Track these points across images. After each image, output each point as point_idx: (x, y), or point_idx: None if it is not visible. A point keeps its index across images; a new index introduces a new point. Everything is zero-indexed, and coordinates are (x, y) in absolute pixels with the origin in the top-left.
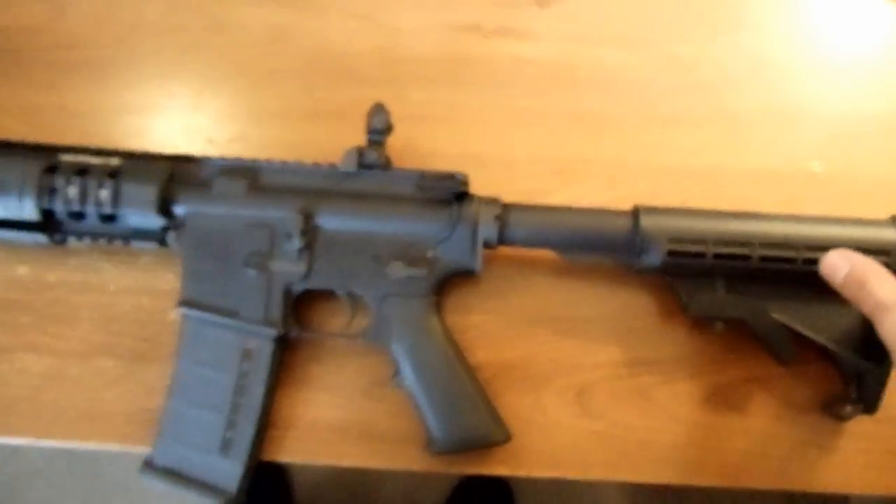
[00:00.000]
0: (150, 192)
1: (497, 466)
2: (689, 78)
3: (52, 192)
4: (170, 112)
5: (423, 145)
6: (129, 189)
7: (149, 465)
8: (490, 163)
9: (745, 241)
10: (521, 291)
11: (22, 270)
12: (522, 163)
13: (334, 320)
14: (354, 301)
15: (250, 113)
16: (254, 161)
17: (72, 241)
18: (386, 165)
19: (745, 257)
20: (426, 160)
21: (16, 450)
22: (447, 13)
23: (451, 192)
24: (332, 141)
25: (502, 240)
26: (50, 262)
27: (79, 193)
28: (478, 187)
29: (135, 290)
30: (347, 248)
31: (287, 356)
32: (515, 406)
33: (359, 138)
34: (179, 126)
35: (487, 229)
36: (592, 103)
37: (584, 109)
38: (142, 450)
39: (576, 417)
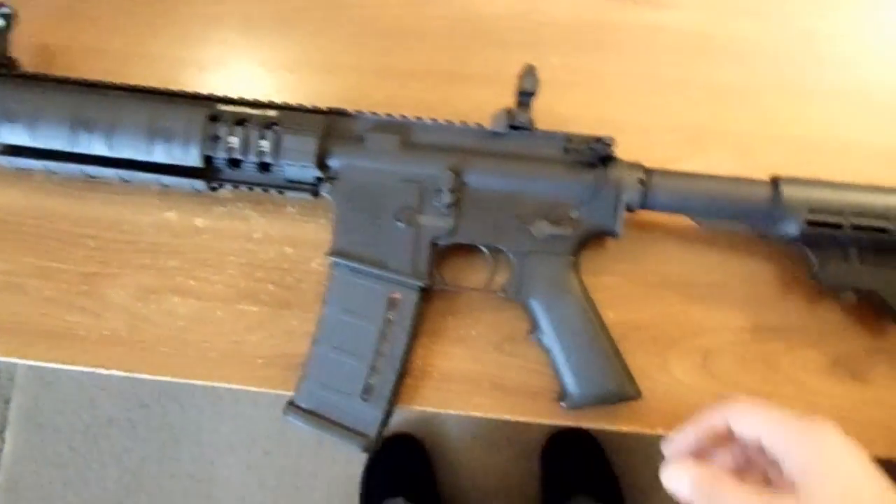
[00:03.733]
0: (309, 144)
1: (623, 423)
2: (824, 51)
3: (215, 140)
4: (307, 72)
5: (561, 110)
6: (290, 140)
7: (292, 407)
8: (626, 129)
9: (882, 214)
10: (652, 256)
11: (171, 216)
12: (657, 130)
13: (474, 275)
14: (496, 257)
15: (392, 73)
16: (405, 118)
17: (224, 190)
18: (533, 127)
19: (883, 230)
20: (564, 125)
21: (92, 399)
22: None
23: (596, 155)
24: (471, 103)
25: (644, 204)
26: (198, 208)
27: (241, 142)
28: None
29: (279, 239)
30: (493, 206)
31: (424, 308)
32: (643, 366)
33: (498, 101)
34: (316, 80)
35: (630, 193)
36: (727, 74)
37: (720, 79)
38: (281, 392)
39: (701, 379)
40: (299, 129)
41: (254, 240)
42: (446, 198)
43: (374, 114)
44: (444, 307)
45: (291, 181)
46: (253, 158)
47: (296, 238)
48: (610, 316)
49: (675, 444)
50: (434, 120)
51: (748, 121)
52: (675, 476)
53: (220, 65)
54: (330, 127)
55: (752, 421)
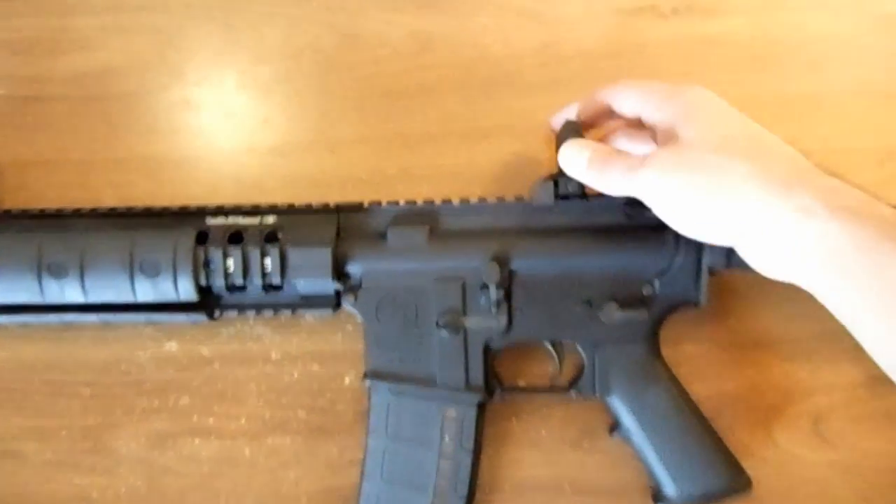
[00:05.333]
0: (322, 255)
1: None
2: None
3: (209, 265)
4: (300, 153)
5: None
6: (297, 254)
7: None
8: None
9: None
10: (739, 313)
11: (172, 347)
12: None
13: (536, 370)
14: (561, 350)
15: (400, 140)
16: (430, 203)
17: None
18: (584, 193)
19: None
20: None
21: None
22: None
23: None
24: (498, 160)
25: (731, 262)
26: (201, 335)
27: (239, 265)
28: None
29: (302, 356)
30: (551, 294)
31: (485, 415)
32: (744, 443)
33: (528, 153)
34: (312, 164)
35: (713, 253)
36: (799, 83)
37: (791, 90)
38: None
39: (814, 450)
40: (307, 237)
41: (272, 361)
42: (494, 293)
43: (393, 203)
44: (506, 409)
45: (307, 297)
46: (257, 281)
47: (321, 353)
48: (698, 390)
49: (560, 116)
50: (465, 201)
51: (833, 135)
52: (574, 151)
53: (197, 158)
54: (342, 227)
55: (630, 94)
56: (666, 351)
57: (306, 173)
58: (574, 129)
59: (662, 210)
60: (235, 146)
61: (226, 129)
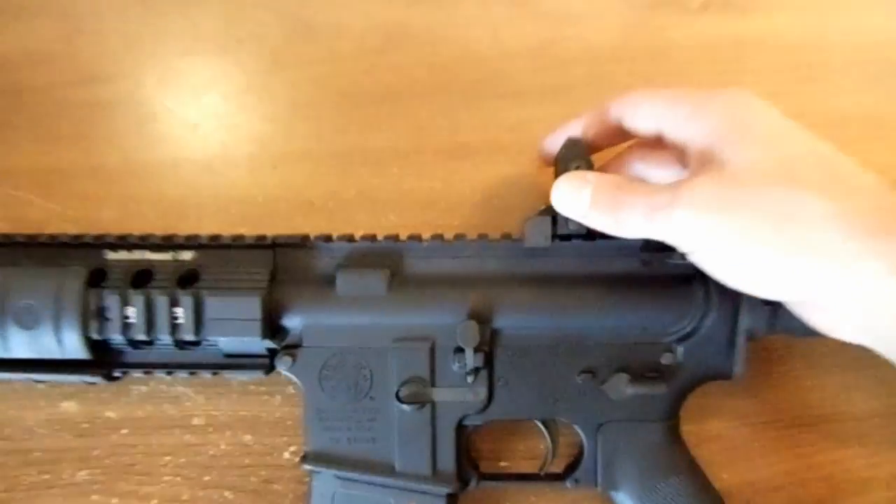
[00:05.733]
0: (250, 305)
1: None
2: None
3: (103, 314)
4: (232, 162)
5: None
6: (218, 302)
7: None
8: None
9: None
10: (774, 383)
11: (69, 407)
12: None
13: (522, 449)
14: (555, 430)
15: (361, 154)
16: (393, 239)
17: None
18: (589, 233)
19: None
20: None
21: None
22: None
23: (692, 265)
24: (483, 185)
25: (775, 327)
26: (106, 393)
27: (143, 315)
28: None
29: (230, 424)
30: (544, 360)
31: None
32: None
33: (522, 179)
34: (248, 183)
35: (754, 312)
36: (857, 97)
37: (846, 107)
38: None
39: None
40: (232, 280)
41: (194, 428)
42: (471, 359)
43: (346, 237)
44: (484, 498)
45: (232, 356)
46: (164, 337)
47: (254, 420)
48: (725, 478)
49: (558, 135)
50: (438, 238)
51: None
52: (571, 188)
53: (106, 172)
54: (280, 268)
55: (649, 104)
56: (687, 429)
57: (240, 195)
58: (576, 151)
59: (704, 259)
60: (154, 158)
61: (144, 136)
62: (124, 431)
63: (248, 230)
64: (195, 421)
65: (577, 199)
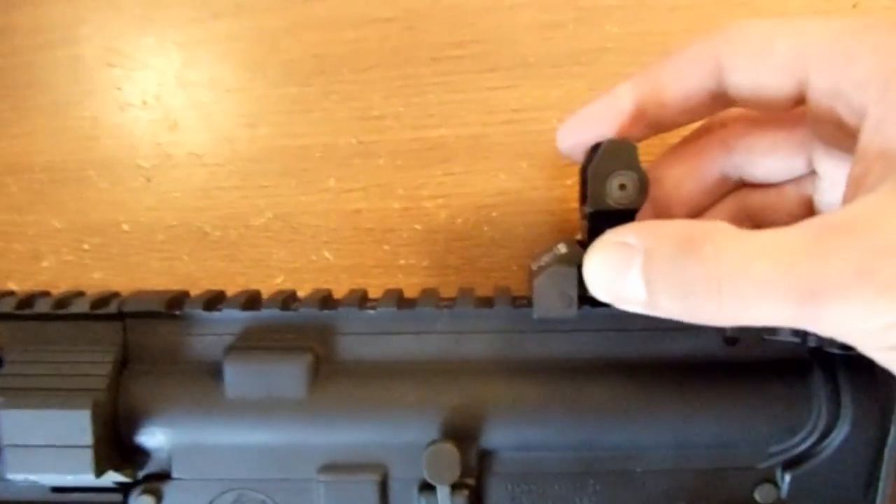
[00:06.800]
0: (77, 420)
1: None
2: None
3: None
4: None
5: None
6: (20, 416)
7: None
8: None
9: None
10: None
11: None
12: None
13: None
14: None
15: (279, 156)
16: (320, 304)
17: None
18: None
19: None
20: None
21: None
22: None
23: (807, 347)
24: (466, 202)
25: None
26: None
27: None
28: None
29: None
30: (565, 498)
31: None
32: None
33: (528, 196)
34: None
35: None
36: None
37: None
38: None
39: None
40: (44, 380)
41: None
42: (446, 500)
43: (245, 301)
44: None
45: (60, 490)
46: None
47: None
48: None
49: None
50: (391, 299)
51: None
52: (607, 264)
53: None
54: (133, 352)
55: (793, 41)
56: None
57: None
58: (620, 157)
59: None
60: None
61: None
62: None
63: (92, 284)
64: None
65: (621, 284)
